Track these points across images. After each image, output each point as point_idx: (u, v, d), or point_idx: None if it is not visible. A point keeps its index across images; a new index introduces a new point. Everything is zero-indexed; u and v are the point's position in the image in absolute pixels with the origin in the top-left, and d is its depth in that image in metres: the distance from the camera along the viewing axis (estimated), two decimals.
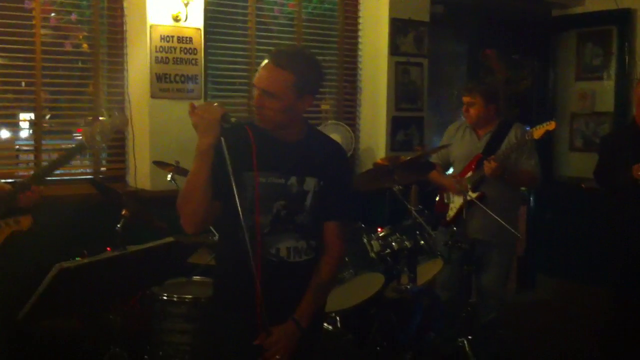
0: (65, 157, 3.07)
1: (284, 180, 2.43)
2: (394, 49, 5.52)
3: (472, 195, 4.13)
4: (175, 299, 3.54)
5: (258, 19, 5.19)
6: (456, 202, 4.28)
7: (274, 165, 2.42)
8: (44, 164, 3.92)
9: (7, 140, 4.75)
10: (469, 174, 4.24)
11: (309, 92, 2.43)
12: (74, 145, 3.03)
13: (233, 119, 2.31)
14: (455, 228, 4.18)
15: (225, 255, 2.61)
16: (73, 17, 4.59)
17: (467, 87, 4.30)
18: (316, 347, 2.63)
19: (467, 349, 3.92)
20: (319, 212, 2.46)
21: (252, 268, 2.29)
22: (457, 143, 4.37)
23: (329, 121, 5.45)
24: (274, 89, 2.36)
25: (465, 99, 4.26)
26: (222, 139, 2.28)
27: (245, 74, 5.17)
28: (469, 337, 4.05)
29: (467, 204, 4.13)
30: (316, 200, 2.45)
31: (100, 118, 3.02)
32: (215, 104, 2.34)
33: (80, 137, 2.98)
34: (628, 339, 4.39)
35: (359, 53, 5.71)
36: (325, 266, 2.52)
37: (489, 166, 4.02)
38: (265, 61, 2.40)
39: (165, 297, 3.53)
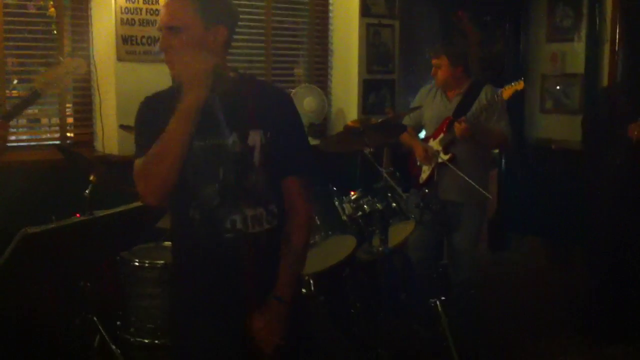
0: (23, 103, 3.01)
1: (224, 139, 2.13)
2: (365, 10, 5.47)
3: (444, 157, 4.15)
4: (146, 264, 3.51)
5: None
6: (428, 165, 4.29)
7: (208, 124, 2.09)
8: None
9: None
10: (440, 136, 4.24)
11: (217, 20, 2.13)
12: (30, 93, 2.96)
13: (232, 73, 2.15)
14: (426, 190, 4.19)
15: (181, 239, 2.32)
16: None
17: (434, 49, 4.28)
18: (299, 317, 2.38)
19: (439, 309, 3.96)
20: (272, 170, 2.18)
21: (210, 249, 2.15)
22: (428, 105, 4.37)
23: (302, 84, 5.40)
24: (176, 21, 2.10)
25: (433, 61, 4.25)
26: (217, 96, 2.06)
27: None
28: (441, 297, 4.09)
29: (439, 166, 4.14)
30: (265, 155, 2.17)
31: (55, 63, 2.98)
32: (206, 55, 2.04)
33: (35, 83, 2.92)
34: (603, 298, 4.49)
35: (330, 15, 5.64)
36: (295, 232, 2.25)
37: (459, 127, 4.03)
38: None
39: (136, 263, 3.51)
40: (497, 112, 4.18)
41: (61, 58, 2.96)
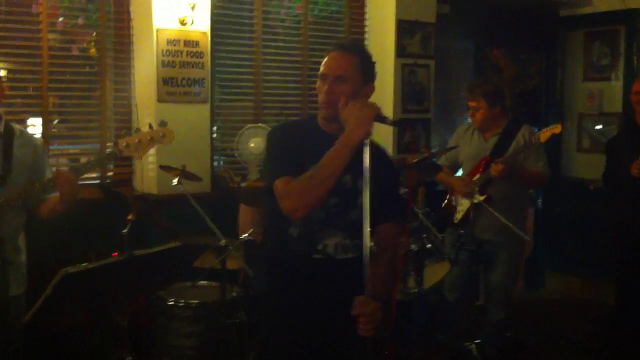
0: (99, 161, 3.05)
1: (342, 177, 2.41)
2: (401, 50, 5.52)
3: (480, 197, 4.12)
4: (181, 303, 3.54)
5: (264, 22, 5.20)
6: (464, 204, 4.27)
7: None
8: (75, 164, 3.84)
9: None
10: (477, 175, 4.22)
11: (370, 79, 2.55)
12: (109, 152, 2.97)
13: (389, 120, 2.45)
14: (462, 230, 4.18)
15: (274, 253, 2.62)
16: (80, 21, 4.60)
17: (470, 91, 4.26)
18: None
19: (475, 352, 3.90)
20: (373, 212, 2.41)
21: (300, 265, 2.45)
22: (466, 145, 4.36)
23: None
24: (344, 72, 2.45)
25: (471, 104, 4.24)
26: (367, 140, 2.32)
27: (251, 77, 5.18)
28: (477, 340, 4.04)
29: (475, 206, 4.12)
30: (372, 201, 2.42)
31: (142, 129, 2.96)
32: (372, 102, 2.41)
33: (116, 144, 2.90)
34: (629, 329, 4.47)
35: None
36: (382, 261, 2.53)
37: (495, 168, 4.02)
38: (330, 53, 2.52)
39: (171, 302, 3.54)
40: (535, 153, 4.16)
41: (151, 124, 2.95)
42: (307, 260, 2.48)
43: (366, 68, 2.52)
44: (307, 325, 2.49)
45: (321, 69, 2.51)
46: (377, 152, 2.52)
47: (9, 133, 2.98)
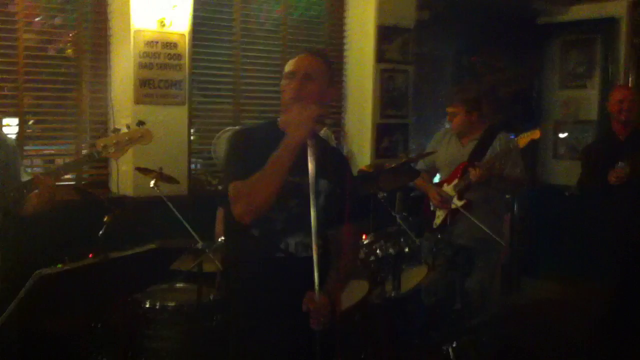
0: (76, 163, 3.01)
1: (300, 180, 2.44)
2: (380, 55, 5.55)
3: (458, 203, 4.14)
4: (157, 306, 3.51)
5: (244, 25, 5.19)
6: (440, 212, 4.29)
7: (293, 165, 2.44)
8: (53, 167, 3.77)
9: None
10: (455, 181, 4.25)
11: (333, 83, 2.68)
12: (86, 153, 2.93)
13: (328, 121, 2.41)
14: (439, 235, 4.19)
15: (236, 254, 2.65)
16: (57, 21, 4.55)
17: (448, 98, 4.31)
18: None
19: (452, 356, 3.91)
20: (331, 215, 2.50)
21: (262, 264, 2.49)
22: (443, 150, 4.39)
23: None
24: (312, 71, 2.51)
25: (449, 109, 4.27)
26: (310, 141, 2.36)
27: (230, 79, 5.16)
28: (453, 344, 4.05)
29: (452, 211, 4.15)
30: (328, 202, 2.52)
31: (120, 129, 2.93)
32: (312, 104, 2.42)
33: (93, 146, 2.89)
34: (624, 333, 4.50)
35: (345, 60, 5.71)
36: (342, 263, 2.58)
37: (474, 172, 4.04)
38: (299, 54, 2.59)
39: (147, 304, 3.50)
40: (512, 159, 4.19)
41: (127, 125, 2.91)
42: (269, 259, 2.51)
43: (331, 71, 2.64)
44: (272, 323, 2.51)
45: (288, 68, 2.55)
46: (329, 150, 2.57)
47: None
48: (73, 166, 2.98)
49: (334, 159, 2.62)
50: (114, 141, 2.89)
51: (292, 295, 2.47)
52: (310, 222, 2.45)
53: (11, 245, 3.25)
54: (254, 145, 2.52)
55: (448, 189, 4.26)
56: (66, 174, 3.01)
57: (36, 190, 2.86)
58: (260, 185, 2.36)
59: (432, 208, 4.40)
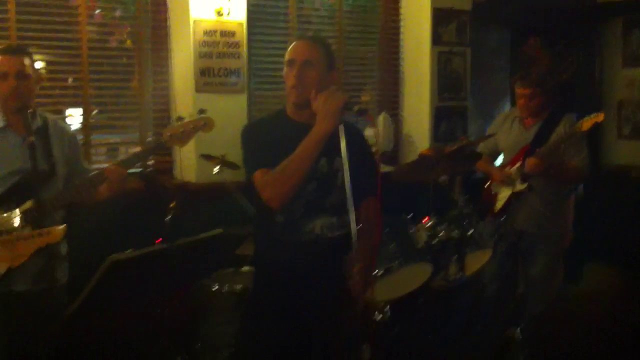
0: (145, 153, 3.08)
1: (316, 162, 2.51)
2: (436, 38, 5.48)
3: (520, 187, 4.06)
4: (224, 290, 3.56)
5: (299, 12, 5.20)
6: (504, 192, 4.21)
7: None
8: (122, 157, 3.84)
9: None
10: (517, 164, 4.16)
11: (333, 66, 2.67)
12: (153, 142, 2.99)
13: (356, 107, 2.45)
14: (502, 219, 4.13)
15: (264, 240, 2.73)
16: (117, 13, 4.64)
17: (524, 78, 4.15)
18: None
19: (516, 340, 3.87)
20: (353, 190, 2.47)
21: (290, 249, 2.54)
22: (505, 133, 4.29)
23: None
24: (311, 57, 2.56)
25: (524, 91, 4.12)
26: (341, 127, 2.38)
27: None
28: (517, 329, 4.00)
29: (515, 195, 4.07)
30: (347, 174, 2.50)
31: (184, 118, 2.97)
32: (338, 92, 2.44)
33: (160, 135, 2.95)
34: None
35: (401, 44, 5.67)
36: (365, 235, 2.57)
37: (530, 163, 3.93)
38: (296, 41, 2.66)
39: (214, 289, 3.56)
40: (575, 144, 4.06)
41: (189, 114, 2.97)
42: (297, 244, 2.58)
43: (329, 56, 2.67)
44: (302, 307, 2.59)
45: (287, 56, 2.60)
46: (350, 131, 2.56)
47: (43, 126, 2.94)
48: (142, 155, 3.03)
49: (354, 138, 2.63)
50: (181, 130, 2.92)
51: (321, 275, 2.56)
52: (329, 205, 2.60)
53: (79, 234, 3.31)
54: (266, 135, 2.60)
55: (511, 172, 4.18)
56: (136, 163, 3.06)
57: (106, 182, 2.90)
58: (289, 173, 2.44)
59: (493, 191, 4.33)
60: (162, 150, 2.97)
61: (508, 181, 4.10)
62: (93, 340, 3.73)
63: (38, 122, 2.92)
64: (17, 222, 2.75)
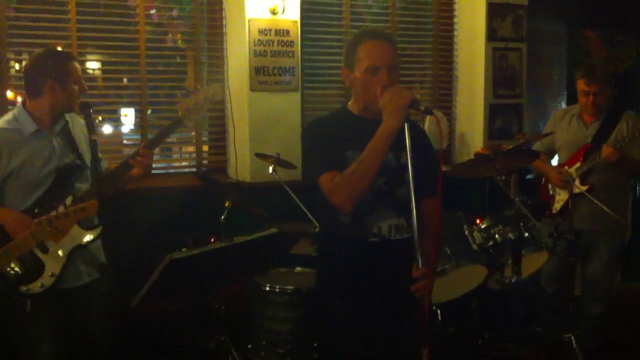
0: (165, 131, 3.11)
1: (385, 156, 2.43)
2: (491, 34, 5.39)
3: (582, 187, 3.96)
4: (277, 289, 3.59)
5: (352, 9, 5.18)
6: (562, 193, 4.13)
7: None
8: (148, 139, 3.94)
9: (112, 135, 4.89)
10: (577, 164, 4.07)
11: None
12: (171, 120, 3.09)
13: (422, 106, 2.39)
14: (559, 219, 4.05)
15: (329, 242, 2.66)
16: (174, 13, 4.71)
17: (590, 75, 4.02)
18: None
19: (574, 344, 3.79)
20: (417, 188, 2.36)
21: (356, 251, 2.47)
22: (563, 131, 4.20)
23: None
24: (395, 61, 2.49)
25: (591, 88, 4.00)
26: (407, 124, 2.32)
27: (339, 64, 5.14)
28: (576, 331, 3.92)
29: (574, 196, 3.97)
30: (414, 172, 2.40)
31: (192, 91, 3.07)
32: (405, 89, 2.37)
33: (177, 111, 3.01)
34: None
35: (455, 40, 5.60)
36: (427, 233, 2.47)
37: (606, 151, 3.85)
38: (374, 40, 2.48)
39: (268, 287, 3.59)
40: (639, 141, 3.97)
41: (198, 86, 3.06)
42: (363, 245, 2.51)
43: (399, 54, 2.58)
44: (368, 310, 2.51)
45: (370, 61, 2.45)
46: (414, 129, 2.46)
47: (67, 124, 3.00)
48: (163, 134, 3.10)
49: (418, 136, 2.55)
50: (193, 102, 3.00)
51: (388, 278, 2.48)
52: (398, 200, 2.51)
53: (138, 230, 3.38)
54: (333, 132, 2.52)
55: (570, 171, 4.09)
56: (160, 143, 3.16)
57: (135, 165, 2.95)
58: (360, 174, 2.37)
59: (550, 192, 4.24)
60: (180, 126, 3.06)
61: (568, 183, 4.01)
62: (153, 332, 3.81)
63: (63, 120, 2.98)
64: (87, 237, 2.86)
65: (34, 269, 2.79)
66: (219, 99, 3.14)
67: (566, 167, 4.11)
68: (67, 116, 3.00)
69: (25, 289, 2.77)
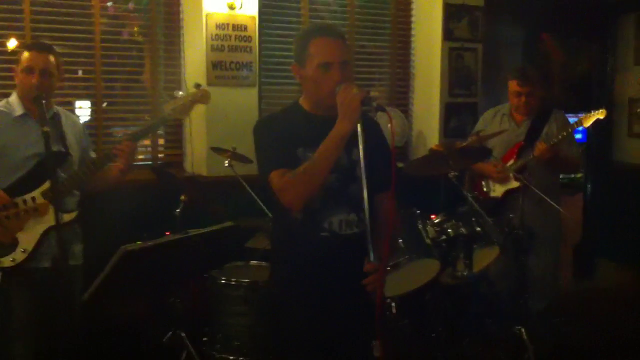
0: (149, 127, 3.27)
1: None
2: (448, 33, 5.48)
3: (515, 184, 4.08)
4: (233, 283, 3.59)
5: (311, 6, 5.21)
6: (497, 189, 4.24)
7: (321, 140, 2.39)
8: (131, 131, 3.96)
9: None
10: (510, 162, 4.20)
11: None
12: (157, 118, 3.20)
13: (374, 103, 2.35)
14: (511, 215, 4.14)
15: (281, 237, 2.66)
16: (130, 6, 4.67)
17: (524, 77, 4.17)
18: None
19: (525, 336, 3.87)
20: (369, 182, 2.34)
21: (307, 246, 2.47)
22: (495, 130, 4.30)
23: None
24: (347, 56, 2.50)
25: (523, 89, 4.16)
26: (359, 125, 2.29)
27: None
28: (525, 325, 4.01)
29: (509, 192, 4.10)
30: (365, 169, 2.37)
31: (180, 93, 3.15)
32: (355, 88, 2.34)
33: (163, 110, 3.12)
34: None
35: (412, 39, 5.67)
36: (381, 230, 2.45)
37: (540, 148, 3.99)
38: (325, 37, 2.47)
39: (223, 281, 3.59)
40: (568, 138, 4.12)
41: (188, 88, 3.15)
42: (314, 240, 2.50)
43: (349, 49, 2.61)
44: (320, 304, 2.52)
45: (321, 57, 2.43)
46: (368, 124, 2.46)
47: (56, 116, 3.16)
48: (149, 129, 3.23)
49: (372, 129, 2.55)
50: (180, 103, 3.10)
51: (339, 273, 2.47)
52: (349, 197, 2.50)
53: (94, 220, 3.42)
54: (284, 129, 2.50)
55: (508, 168, 4.21)
56: (143, 138, 3.30)
57: (118, 157, 3.06)
58: (311, 174, 2.36)
59: (484, 189, 4.35)
60: (166, 123, 3.17)
61: (505, 178, 4.13)
62: (107, 326, 3.78)
63: (52, 111, 3.12)
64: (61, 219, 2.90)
65: (8, 243, 2.93)
66: (206, 102, 3.18)
67: (501, 165, 4.23)
68: (60, 110, 3.21)
69: None
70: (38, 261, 2.99)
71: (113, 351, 3.76)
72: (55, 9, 4.40)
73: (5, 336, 2.99)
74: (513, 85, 4.22)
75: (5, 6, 4.26)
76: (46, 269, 2.99)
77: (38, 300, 3.01)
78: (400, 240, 3.58)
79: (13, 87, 3.19)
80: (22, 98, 3.07)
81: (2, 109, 3.08)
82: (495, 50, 5.94)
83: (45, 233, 2.97)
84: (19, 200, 2.95)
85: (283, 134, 2.49)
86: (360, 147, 2.29)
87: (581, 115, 4.19)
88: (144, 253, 2.84)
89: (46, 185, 2.95)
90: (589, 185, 6.41)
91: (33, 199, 2.96)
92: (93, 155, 3.34)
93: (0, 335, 3.00)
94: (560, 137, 4.06)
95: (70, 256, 3.06)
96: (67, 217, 3.01)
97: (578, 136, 4.47)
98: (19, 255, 2.93)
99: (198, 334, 3.75)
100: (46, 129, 2.80)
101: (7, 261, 2.91)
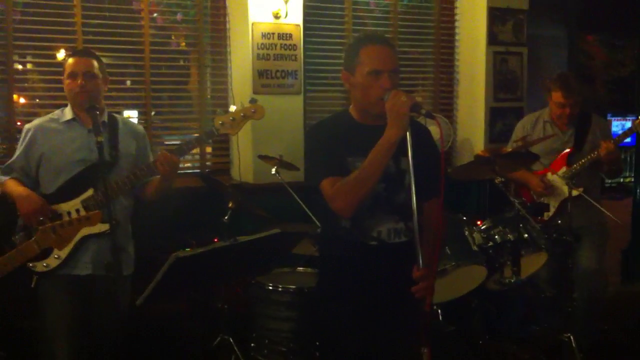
0: (198, 140, 3.23)
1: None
2: (492, 38, 5.45)
3: (576, 191, 4.02)
4: (280, 289, 3.63)
5: (354, 14, 5.24)
6: (552, 201, 4.20)
7: (370, 149, 2.41)
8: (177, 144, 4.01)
9: None
10: (562, 169, 4.15)
11: None
12: (206, 131, 3.16)
13: (423, 111, 2.36)
14: (559, 221, 4.10)
15: (329, 244, 2.69)
16: (178, 17, 4.77)
17: (569, 87, 4.11)
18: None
19: (573, 343, 3.83)
20: (418, 190, 2.36)
21: (355, 254, 2.50)
22: (538, 137, 4.25)
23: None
24: (397, 65, 2.51)
25: (568, 101, 4.11)
26: (408, 132, 2.33)
27: (341, 68, 5.20)
28: (574, 332, 3.96)
29: (563, 202, 4.06)
30: (418, 181, 2.39)
31: (233, 107, 3.10)
32: (403, 95, 2.35)
33: (213, 124, 3.08)
34: None
35: (456, 44, 5.65)
36: (429, 235, 2.53)
37: (606, 146, 3.95)
38: (376, 45, 2.49)
39: (270, 287, 3.63)
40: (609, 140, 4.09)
41: (242, 102, 3.11)
42: (362, 248, 2.53)
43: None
44: (368, 311, 2.53)
45: (372, 65, 2.45)
46: (417, 130, 2.47)
47: (112, 123, 3.18)
48: (194, 143, 3.18)
49: (421, 137, 2.55)
50: (230, 118, 3.05)
51: (387, 280, 2.50)
52: (397, 205, 2.54)
53: (141, 229, 3.45)
54: (336, 136, 2.53)
55: (554, 177, 4.16)
56: (188, 151, 3.22)
57: (160, 170, 3.03)
58: (361, 182, 2.39)
59: (535, 198, 4.31)
60: (215, 140, 3.10)
61: (550, 190, 4.11)
62: (157, 332, 3.85)
63: (104, 118, 3.15)
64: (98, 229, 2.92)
65: (44, 248, 2.92)
66: (259, 118, 3.12)
67: (549, 174, 4.20)
68: (119, 118, 3.24)
69: (31, 264, 2.92)
70: (72, 268, 2.99)
71: (162, 356, 3.83)
72: (105, 21, 4.52)
73: (42, 337, 3.02)
74: (557, 97, 4.15)
75: (57, 19, 4.38)
76: (81, 278, 3.01)
77: (76, 306, 3.02)
78: (447, 248, 3.58)
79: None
80: (72, 104, 3.12)
81: (53, 116, 3.16)
82: (539, 53, 5.89)
83: (81, 240, 2.97)
84: (63, 210, 2.97)
85: (334, 141, 2.52)
86: (410, 153, 2.31)
87: (634, 119, 4.15)
88: (194, 259, 2.90)
89: (88, 193, 2.98)
90: (638, 190, 6.28)
91: (77, 210, 2.97)
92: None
93: (39, 336, 3.04)
94: (596, 144, 4.05)
95: (121, 267, 2.98)
96: (103, 227, 2.89)
97: (627, 140, 4.37)
98: (52, 261, 2.95)
99: (245, 339, 3.80)
100: (100, 138, 2.82)
101: (41, 266, 2.94)
